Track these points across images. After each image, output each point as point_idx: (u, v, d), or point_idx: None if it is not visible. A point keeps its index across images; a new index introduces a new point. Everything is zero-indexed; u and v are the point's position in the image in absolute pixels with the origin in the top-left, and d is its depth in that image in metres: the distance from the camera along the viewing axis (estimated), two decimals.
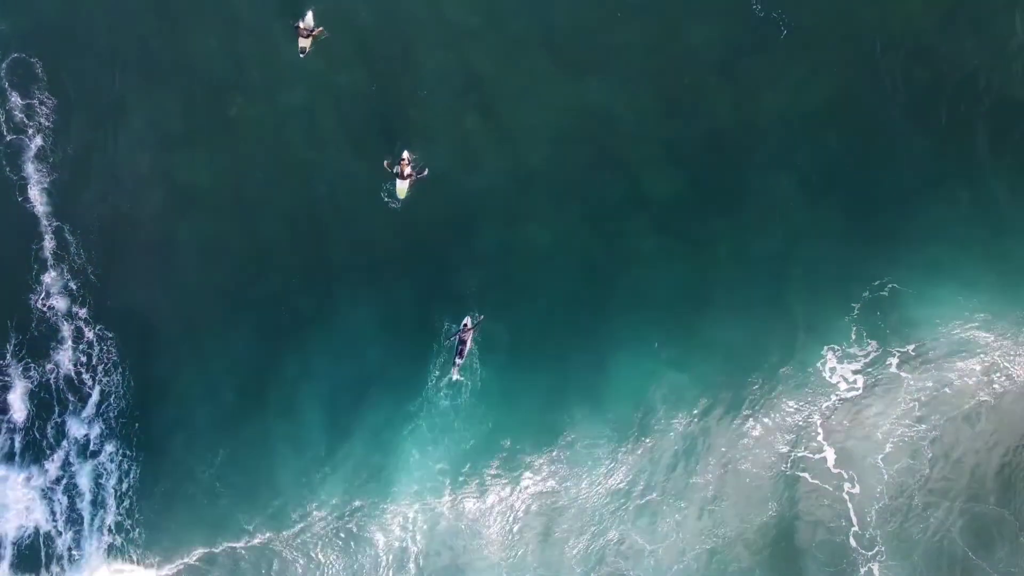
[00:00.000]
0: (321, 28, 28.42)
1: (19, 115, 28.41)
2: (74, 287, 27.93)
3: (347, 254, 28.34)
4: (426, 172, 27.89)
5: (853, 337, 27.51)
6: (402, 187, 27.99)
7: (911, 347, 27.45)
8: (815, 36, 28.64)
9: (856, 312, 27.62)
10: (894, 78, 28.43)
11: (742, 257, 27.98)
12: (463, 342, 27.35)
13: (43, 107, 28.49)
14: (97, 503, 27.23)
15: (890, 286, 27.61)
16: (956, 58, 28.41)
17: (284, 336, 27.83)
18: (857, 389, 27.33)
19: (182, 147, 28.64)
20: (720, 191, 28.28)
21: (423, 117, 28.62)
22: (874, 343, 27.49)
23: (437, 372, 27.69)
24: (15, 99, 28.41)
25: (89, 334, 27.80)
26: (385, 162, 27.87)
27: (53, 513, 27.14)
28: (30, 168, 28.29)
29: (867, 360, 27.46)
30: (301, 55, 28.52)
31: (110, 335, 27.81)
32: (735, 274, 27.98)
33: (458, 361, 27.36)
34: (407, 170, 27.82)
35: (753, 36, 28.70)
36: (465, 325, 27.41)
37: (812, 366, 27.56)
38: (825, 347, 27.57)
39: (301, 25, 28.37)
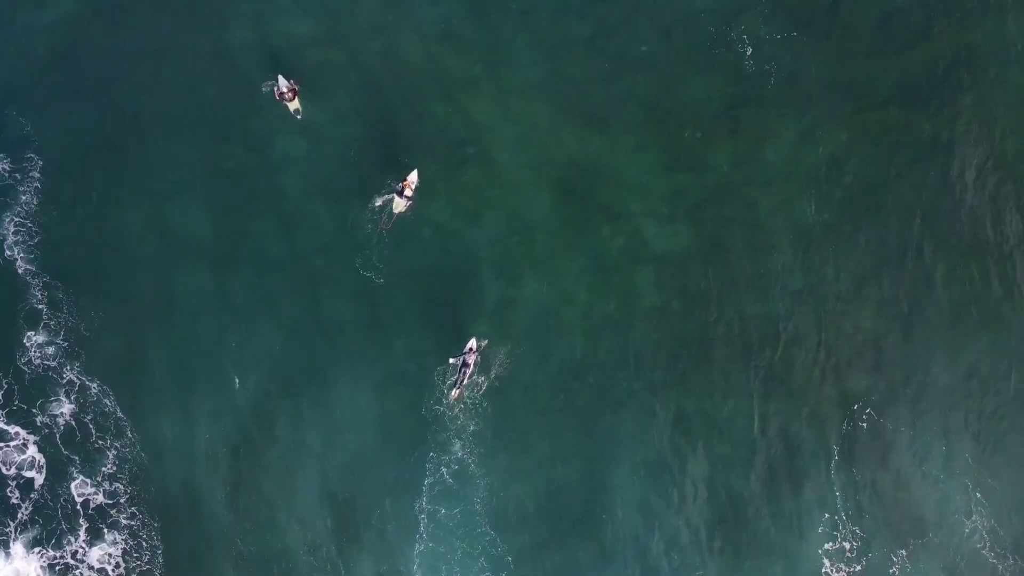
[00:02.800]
0: (292, 82, 28.09)
1: (4, 167, 28.15)
2: (66, 343, 27.49)
3: (344, 309, 27.97)
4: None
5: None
6: (400, 204, 27.63)
7: None
8: (807, 89, 28.50)
9: None
10: (891, 134, 28.40)
11: (743, 316, 27.83)
12: (467, 364, 26.87)
13: (31, 161, 28.20)
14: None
15: None
16: (956, 112, 28.40)
17: (277, 401, 27.40)
18: None
19: (176, 199, 28.37)
20: (722, 246, 28.12)
21: (423, 168, 28.38)
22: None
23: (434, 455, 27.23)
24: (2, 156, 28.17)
25: (85, 391, 27.29)
26: (389, 182, 27.73)
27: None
28: (17, 222, 27.96)
29: None
30: (298, 116, 28.35)
31: (106, 391, 27.38)
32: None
33: (462, 384, 26.81)
34: (409, 191, 27.54)
35: (749, 89, 28.56)
36: (471, 348, 26.99)
37: None
38: None
39: (277, 91, 28.05)
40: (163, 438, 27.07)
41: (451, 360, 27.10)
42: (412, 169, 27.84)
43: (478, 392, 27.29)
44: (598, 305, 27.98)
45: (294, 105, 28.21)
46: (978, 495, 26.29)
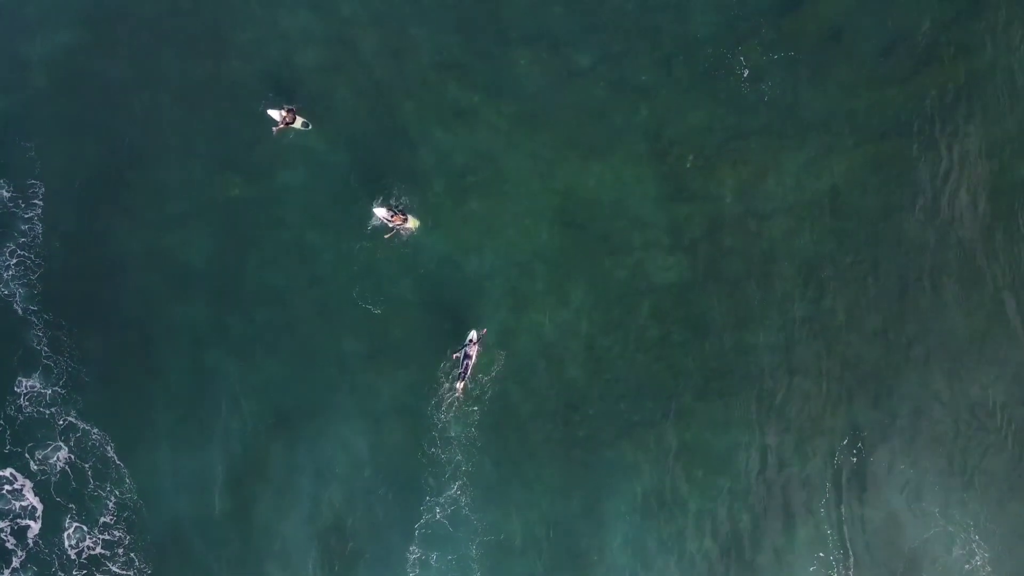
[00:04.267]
0: (284, 108, 27.94)
1: (7, 194, 28.05)
2: (64, 382, 27.49)
3: (342, 341, 27.99)
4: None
5: None
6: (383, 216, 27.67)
7: None
8: (808, 120, 28.39)
9: None
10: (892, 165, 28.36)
11: (743, 347, 27.82)
12: (468, 357, 26.90)
13: (32, 190, 28.11)
14: None
15: None
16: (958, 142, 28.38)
17: (273, 443, 27.52)
18: None
19: (177, 230, 28.33)
20: (722, 278, 28.06)
21: (424, 197, 28.35)
22: None
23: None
24: (3, 183, 28.11)
25: (83, 436, 27.31)
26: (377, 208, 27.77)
27: None
28: (19, 255, 27.90)
29: None
30: (308, 127, 28.23)
31: (105, 437, 27.42)
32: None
33: (466, 376, 26.89)
34: (398, 220, 27.65)
35: (750, 119, 28.43)
36: (471, 340, 27.02)
37: None
38: None
39: (276, 128, 27.99)
40: (160, 484, 27.21)
41: (453, 354, 27.10)
42: (401, 197, 27.93)
43: (473, 423, 27.29)
44: (598, 337, 27.96)
45: (299, 123, 28.13)
46: (977, 537, 26.33)
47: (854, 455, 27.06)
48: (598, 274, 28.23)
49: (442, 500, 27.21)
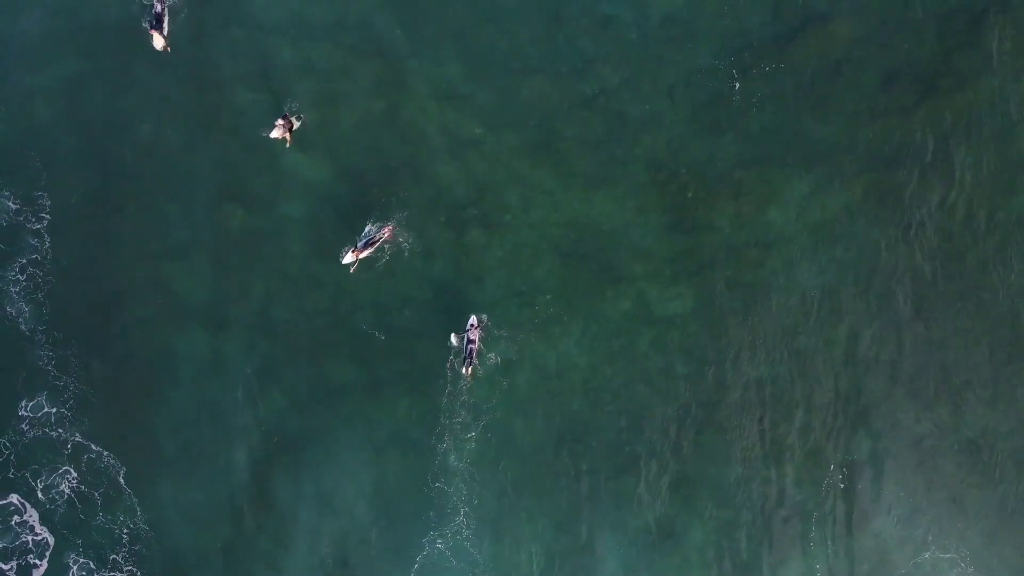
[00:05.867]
0: (278, 122, 27.85)
1: (8, 222, 28.09)
2: (69, 407, 27.54)
3: (344, 372, 28.01)
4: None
5: None
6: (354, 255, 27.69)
7: None
8: (810, 150, 28.32)
9: None
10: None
11: (745, 379, 27.78)
12: (472, 341, 27.14)
13: (34, 218, 28.13)
14: None
15: None
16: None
17: (281, 468, 27.59)
18: None
19: (178, 260, 28.34)
20: (724, 309, 28.03)
21: (426, 228, 28.34)
22: None
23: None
24: (5, 210, 28.10)
25: (91, 463, 27.40)
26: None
27: None
28: (21, 281, 27.95)
29: None
30: (306, 121, 28.21)
31: (116, 465, 27.54)
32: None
33: (471, 360, 27.17)
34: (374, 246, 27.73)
35: (752, 149, 28.36)
36: (472, 325, 27.24)
37: None
38: None
39: (280, 133, 27.87)
40: (165, 514, 27.33)
41: (453, 340, 27.23)
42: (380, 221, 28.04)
43: (475, 454, 27.34)
44: (600, 368, 27.96)
45: (297, 127, 28.03)
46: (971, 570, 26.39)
47: (854, 486, 27.06)
48: (600, 305, 28.21)
49: (444, 532, 27.23)
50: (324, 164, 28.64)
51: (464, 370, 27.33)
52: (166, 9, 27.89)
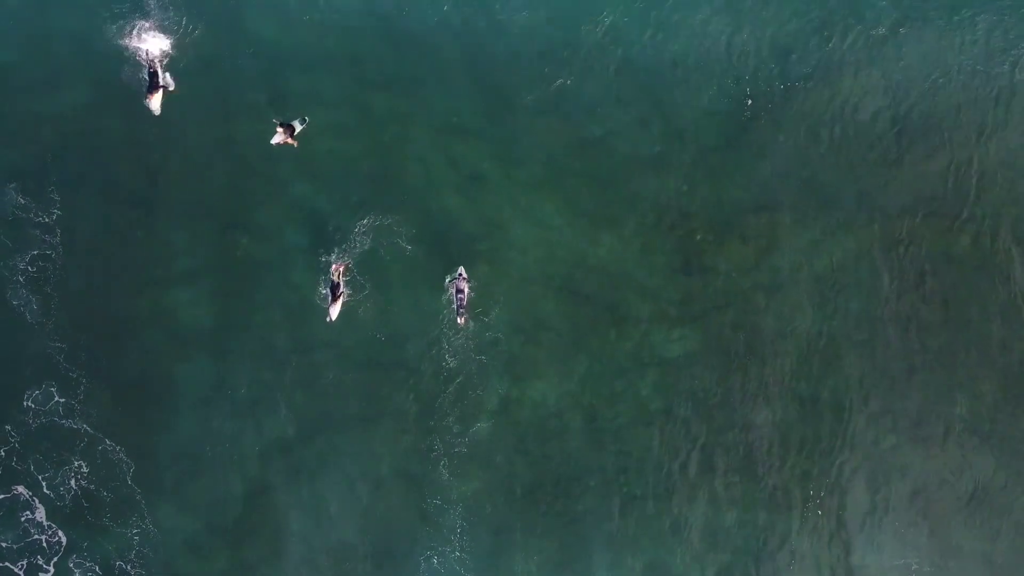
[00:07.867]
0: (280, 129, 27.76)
1: (10, 243, 28.01)
2: (68, 406, 27.49)
3: (346, 403, 27.90)
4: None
5: None
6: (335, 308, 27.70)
7: None
8: (819, 197, 28.35)
9: None
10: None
11: (747, 423, 27.71)
12: (460, 291, 27.34)
13: (39, 244, 28.05)
14: None
15: None
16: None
17: (280, 498, 27.47)
18: None
19: (183, 287, 28.22)
20: (728, 352, 27.97)
21: (430, 264, 28.25)
22: None
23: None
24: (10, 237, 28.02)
25: (100, 468, 27.32)
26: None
27: None
28: (28, 301, 27.90)
29: None
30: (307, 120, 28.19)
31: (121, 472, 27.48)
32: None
33: (463, 308, 27.44)
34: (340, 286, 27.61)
35: (760, 193, 28.38)
36: (460, 275, 27.45)
37: None
38: None
39: (280, 140, 27.75)
40: (168, 532, 27.21)
41: (448, 285, 27.59)
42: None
43: (473, 490, 27.26)
44: (602, 408, 27.92)
45: (300, 130, 27.93)
46: None
47: (854, 534, 27.01)
48: (603, 344, 28.17)
49: (440, 569, 27.15)
50: (330, 193, 28.53)
51: (459, 320, 27.45)
52: (159, 69, 27.76)
